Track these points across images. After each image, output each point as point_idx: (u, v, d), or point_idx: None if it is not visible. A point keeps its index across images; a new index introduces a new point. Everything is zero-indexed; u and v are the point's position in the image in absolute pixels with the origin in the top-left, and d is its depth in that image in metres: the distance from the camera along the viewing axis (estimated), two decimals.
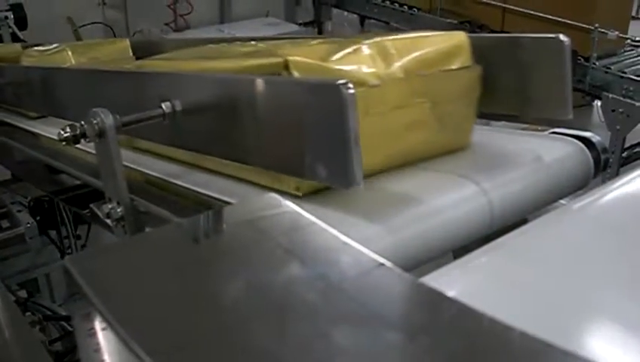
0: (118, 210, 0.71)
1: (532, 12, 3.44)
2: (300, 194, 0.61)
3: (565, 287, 0.51)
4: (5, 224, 1.66)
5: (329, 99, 0.51)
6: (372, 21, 4.70)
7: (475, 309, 0.35)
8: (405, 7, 4.10)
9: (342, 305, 0.36)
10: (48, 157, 1.06)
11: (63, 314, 1.62)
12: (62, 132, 0.69)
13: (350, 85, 0.50)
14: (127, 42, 1.43)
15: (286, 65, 0.62)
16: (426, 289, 0.38)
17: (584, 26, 3.10)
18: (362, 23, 4.95)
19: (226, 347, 0.33)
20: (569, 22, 3.16)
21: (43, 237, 1.58)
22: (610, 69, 3.07)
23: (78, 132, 0.68)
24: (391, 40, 0.70)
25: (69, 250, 1.63)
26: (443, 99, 0.70)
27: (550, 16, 3.30)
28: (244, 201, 0.45)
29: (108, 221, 0.78)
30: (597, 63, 3.08)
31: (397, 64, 0.68)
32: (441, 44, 0.71)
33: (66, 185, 1.18)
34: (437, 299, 0.37)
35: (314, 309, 0.35)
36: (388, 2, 4.22)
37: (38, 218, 1.56)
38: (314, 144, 0.54)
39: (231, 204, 0.50)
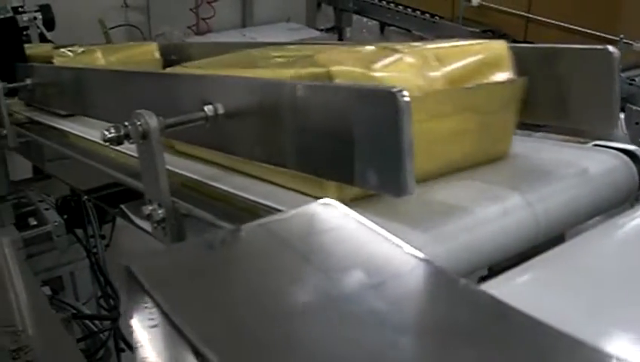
0: (159, 211, 0.71)
1: (556, 22, 3.42)
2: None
3: (615, 302, 0.50)
4: (32, 222, 1.68)
5: (384, 107, 0.50)
6: (392, 28, 4.70)
7: (544, 321, 0.35)
8: (427, 14, 4.10)
9: (410, 314, 0.36)
10: (81, 156, 1.07)
11: (88, 312, 1.63)
12: (106, 133, 0.69)
13: (405, 93, 0.50)
14: (154, 46, 1.39)
15: (329, 76, 0.62)
16: (491, 299, 0.37)
17: (609, 36, 3.08)
18: (382, 30, 4.96)
19: (291, 353, 0.33)
20: (593, 32, 3.15)
21: (69, 236, 1.60)
22: (634, 80, 3.05)
23: (122, 133, 0.69)
24: (432, 49, 0.69)
25: (95, 249, 1.64)
26: (484, 111, 0.69)
27: (574, 27, 3.28)
28: (303, 207, 0.45)
29: (146, 223, 0.78)
30: (621, 75, 3.06)
31: (439, 74, 0.67)
32: (482, 54, 0.71)
33: (96, 185, 1.19)
34: (503, 309, 0.36)
35: (382, 318, 0.35)
36: (410, 10, 4.22)
37: (65, 216, 1.58)
38: (365, 151, 0.53)
39: (284, 210, 0.49)
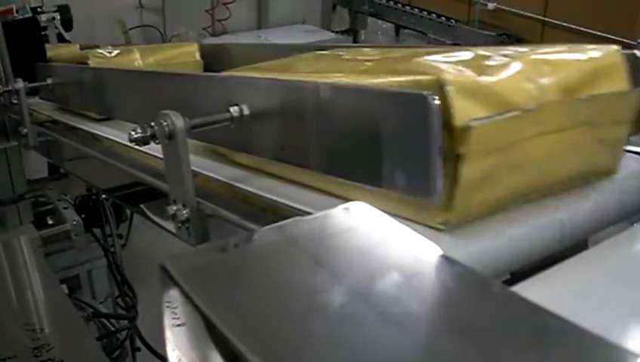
0: (184, 212, 0.72)
1: (572, 26, 3.41)
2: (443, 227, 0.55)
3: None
4: (49, 221, 1.69)
5: (415, 110, 0.51)
6: (407, 31, 4.70)
7: (578, 324, 0.35)
8: (443, 18, 4.10)
9: (441, 314, 0.36)
10: (103, 155, 1.08)
11: (104, 311, 1.64)
12: (132, 133, 0.70)
13: (435, 96, 0.50)
14: (195, 47, 1.32)
15: (438, 84, 0.53)
16: (523, 301, 0.37)
17: (626, 40, 3.06)
18: (397, 33, 4.96)
19: (328, 352, 0.33)
20: (610, 36, 3.13)
21: (87, 235, 1.61)
22: None
23: (148, 133, 0.69)
24: (542, 54, 0.63)
25: (112, 248, 1.66)
26: (599, 124, 0.64)
27: (591, 30, 3.27)
28: (336, 209, 0.46)
29: (167, 222, 0.79)
30: None
31: (551, 83, 0.60)
32: (595, 61, 0.64)
33: (116, 184, 1.20)
34: (536, 311, 0.36)
35: (420, 320, 0.35)
36: (425, 13, 4.21)
37: (83, 215, 1.59)
38: (394, 154, 0.54)
39: (313, 212, 0.50)
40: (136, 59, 1.28)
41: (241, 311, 0.36)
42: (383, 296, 0.37)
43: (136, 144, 0.70)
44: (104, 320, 1.58)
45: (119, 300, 1.73)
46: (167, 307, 0.43)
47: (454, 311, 0.37)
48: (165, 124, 0.68)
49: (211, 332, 0.37)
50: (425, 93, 0.50)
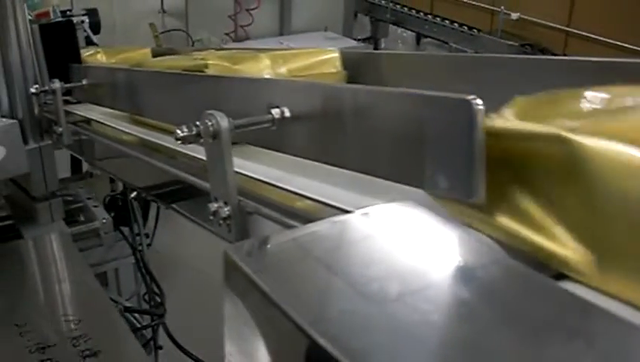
0: (225, 209, 0.74)
1: (596, 37, 3.41)
2: None
3: None
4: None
5: (458, 114, 0.53)
6: (427, 39, 4.72)
7: (626, 318, 0.36)
8: (465, 27, 4.11)
9: (494, 307, 0.38)
10: (141, 154, 1.11)
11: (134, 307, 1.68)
12: (179, 132, 0.72)
13: (479, 100, 0.52)
14: (336, 55, 1.09)
15: None
16: (569, 295, 0.39)
17: None
18: (418, 41, 4.98)
19: (389, 337, 0.35)
20: (636, 48, 3.12)
21: (115, 233, 1.64)
22: None
23: (194, 132, 0.72)
24: None
25: (140, 247, 1.69)
26: None
27: (615, 42, 3.26)
28: (386, 206, 0.48)
29: (203, 220, 0.81)
30: None
31: None
32: None
33: (148, 183, 1.23)
34: (584, 305, 0.38)
35: (473, 312, 0.37)
36: (447, 22, 4.23)
37: (112, 214, 1.63)
38: (437, 156, 0.56)
39: (353, 211, 0.52)
40: (266, 68, 1.03)
41: (303, 297, 0.38)
42: (434, 288, 0.39)
43: (182, 143, 0.73)
44: (130, 318, 1.62)
45: (145, 297, 1.76)
46: (227, 302, 0.44)
47: (504, 302, 0.39)
48: (210, 123, 0.71)
49: (276, 316, 0.38)
50: (469, 97, 0.52)
